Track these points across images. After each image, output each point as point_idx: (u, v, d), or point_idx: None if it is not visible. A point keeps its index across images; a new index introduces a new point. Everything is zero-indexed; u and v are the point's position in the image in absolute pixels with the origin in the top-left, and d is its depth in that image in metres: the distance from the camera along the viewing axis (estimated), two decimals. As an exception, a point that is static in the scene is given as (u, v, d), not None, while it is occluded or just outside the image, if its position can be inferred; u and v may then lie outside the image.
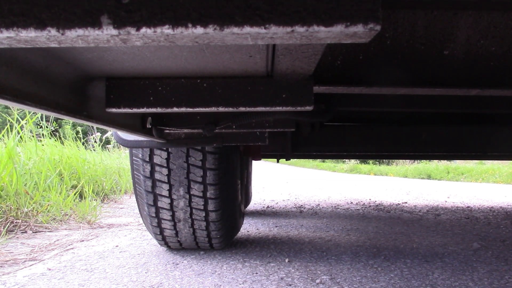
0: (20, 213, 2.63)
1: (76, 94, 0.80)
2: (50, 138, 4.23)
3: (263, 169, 13.80)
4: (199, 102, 0.93)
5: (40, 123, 4.12)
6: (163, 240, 1.93)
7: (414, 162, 14.85)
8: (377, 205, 4.27)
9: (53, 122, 4.54)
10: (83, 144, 4.93)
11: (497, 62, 1.07)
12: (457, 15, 1.03)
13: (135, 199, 1.88)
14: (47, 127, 4.15)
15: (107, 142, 6.69)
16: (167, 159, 1.66)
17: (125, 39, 0.44)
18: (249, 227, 2.79)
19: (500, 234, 2.67)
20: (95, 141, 5.79)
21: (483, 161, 11.96)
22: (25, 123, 3.53)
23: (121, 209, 3.78)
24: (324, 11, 0.42)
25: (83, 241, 2.40)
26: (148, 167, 1.68)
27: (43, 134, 4.08)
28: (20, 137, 3.33)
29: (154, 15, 0.42)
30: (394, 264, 1.85)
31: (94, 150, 5.49)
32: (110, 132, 5.53)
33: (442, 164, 12.64)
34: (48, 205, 2.90)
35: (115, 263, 1.88)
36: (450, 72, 1.08)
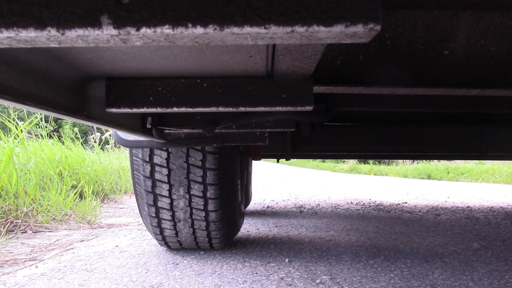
0: (20, 213, 2.63)
1: (76, 94, 0.80)
2: (49, 138, 4.23)
3: (263, 169, 13.80)
4: (199, 102, 0.93)
5: (39, 123, 4.13)
6: (163, 240, 1.93)
7: (414, 162, 14.84)
8: (377, 205, 4.27)
9: (51, 122, 4.54)
10: (81, 144, 4.92)
11: (497, 62, 1.07)
12: (457, 15, 1.03)
13: (135, 199, 1.88)
14: (46, 127, 4.15)
15: (107, 142, 6.69)
16: (167, 159, 1.66)
17: (125, 39, 0.44)
18: (249, 227, 2.79)
19: (500, 234, 2.67)
20: (94, 141, 5.79)
21: (483, 161, 11.96)
22: (24, 124, 3.53)
23: (121, 209, 3.78)
24: (324, 11, 0.42)
25: (83, 241, 2.40)
26: (148, 167, 1.68)
27: (41, 135, 4.08)
28: (16, 136, 3.32)
29: (154, 15, 0.42)
30: (394, 264, 1.85)
31: (93, 150, 5.49)
32: (109, 132, 5.53)
33: (442, 164, 12.63)
34: (48, 205, 2.90)
35: (115, 263, 1.88)
36: (450, 72, 1.08)
